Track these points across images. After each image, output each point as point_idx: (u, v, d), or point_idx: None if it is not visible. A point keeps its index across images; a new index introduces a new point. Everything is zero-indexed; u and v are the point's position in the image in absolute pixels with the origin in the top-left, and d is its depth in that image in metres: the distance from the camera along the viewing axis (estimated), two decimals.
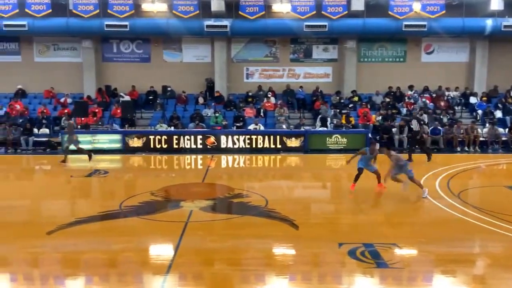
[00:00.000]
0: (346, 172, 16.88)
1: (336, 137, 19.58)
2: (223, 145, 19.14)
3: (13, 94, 22.64)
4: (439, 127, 20.55)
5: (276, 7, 22.74)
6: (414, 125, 17.68)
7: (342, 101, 22.93)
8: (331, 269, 7.70)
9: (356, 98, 23.34)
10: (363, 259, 7.87)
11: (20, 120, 20.28)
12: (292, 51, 24.14)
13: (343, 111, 21.66)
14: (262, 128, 20.36)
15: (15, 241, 9.06)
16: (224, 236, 9.35)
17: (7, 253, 8.58)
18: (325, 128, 20.81)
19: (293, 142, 19.49)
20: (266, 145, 19.15)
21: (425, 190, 11.75)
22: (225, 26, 21.73)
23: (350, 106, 22.70)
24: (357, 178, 12.35)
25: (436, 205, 11.22)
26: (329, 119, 21.27)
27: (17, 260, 8.39)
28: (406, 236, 9.23)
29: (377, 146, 13.96)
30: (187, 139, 19.20)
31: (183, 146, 19.00)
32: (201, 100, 22.81)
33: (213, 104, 22.29)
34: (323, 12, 22.25)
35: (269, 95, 22.92)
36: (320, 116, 21.37)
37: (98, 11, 21.07)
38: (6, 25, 21.16)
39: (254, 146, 19.09)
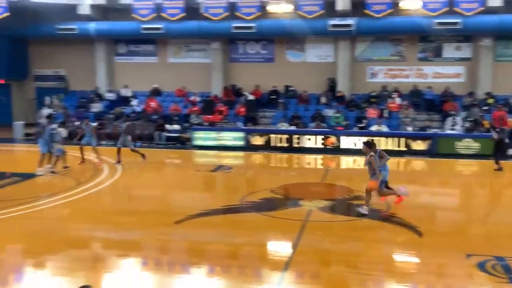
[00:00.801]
0: (477, 179, 15.73)
1: (468, 141, 18.33)
2: (343, 146, 18.89)
3: (149, 92, 24.49)
4: None
5: (404, 4, 21.88)
6: None
7: (475, 102, 21.39)
8: (457, 281, 7.23)
9: (491, 100, 21.64)
10: (494, 273, 7.28)
11: (155, 117, 21.87)
12: (420, 49, 23.08)
13: (478, 114, 20.17)
14: (385, 129, 19.73)
15: (147, 228, 9.79)
16: (343, 238, 9.23)
17: (140, 239, 9.30)
18: (455, 131, 19.57)
19: (419, 145, 18.62)
20: (390, 147, 18.51)
21: (364, 208, 10.45)
22: (350, 25, 21.41)
23: (484, 108, 21.10)
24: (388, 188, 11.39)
25: None
26: (460, 122, 19.97)
27: (148, 245, 9.06)
28: None
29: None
30: (308, 139, 19.25)
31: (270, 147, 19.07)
32: (323, 99, 22.74)
33: (334, 104, 22.11)
34: (455, 9, 20.94)
35: (393, 96, 22.15)
36: (451, 117, 20.13)
37: (227, 13, 21.96)
38: (144, 28, 22.96)
39: (376, 148, 18.54)
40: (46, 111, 21.25)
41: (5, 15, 20.86)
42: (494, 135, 15.92)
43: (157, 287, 7.42)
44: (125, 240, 9.21)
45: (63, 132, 15.74)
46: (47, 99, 24.29)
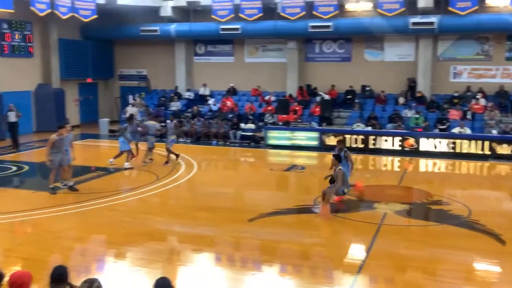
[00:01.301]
0: None
1: None
2: (422, 148, 18.23)
3: (225, 91, 24.95)
4: None
5: (490, 1, 20.72)
6: None
7: None
8: None
9: None
10: None
11: (230, 116, 22.26)
12: (507, 48, 21.75)
13: None
14: (468, 131, 18.79)
15: (221, 224, 10.00)
16: (420, 243, 8.92)
17: (214, 234, 9.51)
18: None
19: (505, 149, 17.56)
20: (472, 150, 17.62)
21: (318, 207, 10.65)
22: (432, 23, 20.59)
23: None
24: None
25: None
26: None
27: (222, 241, 9.25)
28: None
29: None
30: (385, 140, 18.77)
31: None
32: (401, 100, 22.06)
33: (414, 104, 21.37)
34: None
35: (478, 96, 21.06)
36: None
37: (304, 13, 21.89)
38: (222, 29, 23.41)
39: (458, 150, 17.74)
40: (131, 109, 22.29)
41: (93, 17, 22.08)
42: None
43: (230, 283, 7.55)
44: (200, 235, 9.46)
45: (156, 125, 16.69)
46: (130, 98, 25.47)
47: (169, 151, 15.84)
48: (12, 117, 18.35)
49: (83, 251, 8.71)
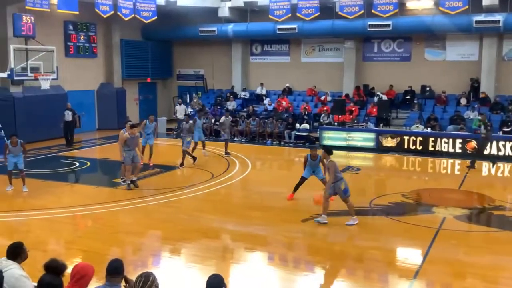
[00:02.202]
0: None
1: None
2: (485, 151, 17.46)
3: (280, 91, 24.94)
4: None
5: None
6: None
7: None
8: None
9: None
10: None
11: (285, 115, 22.22)
12: None
13: None
14: None
15: (274, 224, 10.00)
16: (480, 250, 8.56)
17: (267, 234, 9.53)
18: None
19: None
20: None
21: (323, 217, 9.81)
22: (497, 21, 19.68)
23: None
24: (296, 187, 11.61)
25: None
26: None
27: (275, 241, 9.25)
28: None
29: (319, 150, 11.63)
30: (445, 142, 18.13)
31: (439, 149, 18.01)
32: (463, 101, 21.25)
33: (476, 105, 20.53)
34: None
35: None
36: None
37: (362, 11, 21.52)
38: (279, 29, 23.41)
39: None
40: (180, 108, 22.73)
41: (153, 18, 22.67)
42: None
43: (282, 282, 7.54)
44: (253, 234, 9.51)
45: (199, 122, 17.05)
46: (186, 97, 25.96)
47: (185, 153, 15.48)
48: (68, 116, 18.78)
49: (140, 246, 8.96)
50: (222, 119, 18.60)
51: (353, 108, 21.62)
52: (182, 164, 15.50)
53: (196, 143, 16.65)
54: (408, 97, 22.28)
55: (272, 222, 10.09)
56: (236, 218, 10.51)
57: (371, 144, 19.19)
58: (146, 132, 15.37)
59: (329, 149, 10.47)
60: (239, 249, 8.85)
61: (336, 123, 20.88)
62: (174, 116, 23.30)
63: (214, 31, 24.58)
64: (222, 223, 10.26)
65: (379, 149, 18.76)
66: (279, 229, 9.72)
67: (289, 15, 22.65)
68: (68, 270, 4.56)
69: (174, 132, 22.25)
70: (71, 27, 22.28)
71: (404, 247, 9.08)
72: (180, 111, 22.62)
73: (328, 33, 22.97)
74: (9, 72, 16.23)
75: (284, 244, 9.10)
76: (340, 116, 21.16)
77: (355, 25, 21.90)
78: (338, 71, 23.85)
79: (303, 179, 11.63)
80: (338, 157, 18.22)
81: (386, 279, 7.54)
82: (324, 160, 10.60)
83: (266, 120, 21.55)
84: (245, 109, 23.56)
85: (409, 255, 8.67)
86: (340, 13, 21.86)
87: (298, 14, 22.42)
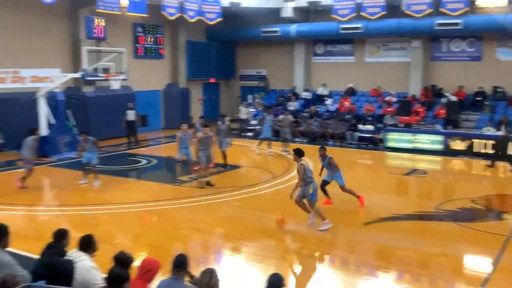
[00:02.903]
0: None
1: None
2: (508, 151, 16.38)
3: (343, 92, 24.61)
4: None
5: None
6: None
7: None
8: None
9: None
10: None
11: (348, 116, 21.90)
12: None
13: None
14: None
15: (336, 226, 9.86)
16: None
17: (328, 236, 9.41)
18: None
19: None
20: None
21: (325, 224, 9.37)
22: None
23: None
24: (324, 192, 11.10)
25: None
26: None
27: (336, 244, 9.14)
28: None
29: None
30: None
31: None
32: None
33: None
34: None
35: None
36: None
37: (431, 10, 20.84)
38: (343, 28, 23.11)
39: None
40: (244, 109, 22.96)
41: (218, 20, 23.06)
42: None
43: (343, 286, 7.43)
44: (314, 235, 9.43)
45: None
46: (249, 98, 26.19)
47: (225, 154, 15.33)
48: (131, 115, 19.25)
49: (202, 242, 9.14)
50: (281, 117, 18.79)
51: (420, 109, 20.98)
52: (226, 166, 15.21)
53: (262, 140, 16.85)
54: (478, 98, 21.33)
55: (333, 224, 9.95)
56: (296, 219, 10.45)
57: (438, 146, 18.54)
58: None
59: (299, 152, 9.83)
60: (299, 250, 8.81)
61: (401, 125, 20.34)
62: (237, 116, 23.58)
63: (276, 31, 24.65)
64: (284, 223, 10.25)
65: (447, 152, 18.09)
66: (341, 231, 9.58)
67: (354, 14, 22.30)
68: (135, 263, 4.72)
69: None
70: (139, 29, 23.08)
71: (471, 254, 8.70)
72: (243, 112, 22.88)
73: (394, 32, 22.42)
74: (82, 73, 17.03)
75: (345, 247, 8.97)
76: (405, 117, 20.60)
77: (422, 23, 21.25)
78: (404, 71, 23.23)
79: (324, 183, 11.12)
80: (403, 160, 17.81)
81: (452, 286, 7.26)
82: (296, 162, 9.82)
83: (328, 121, 21.34)
84: (306, 109, 23.45)
85: (477, 263, 8.30)
86: (406, 11, 21.28)
87: (362, 13, 22.04)
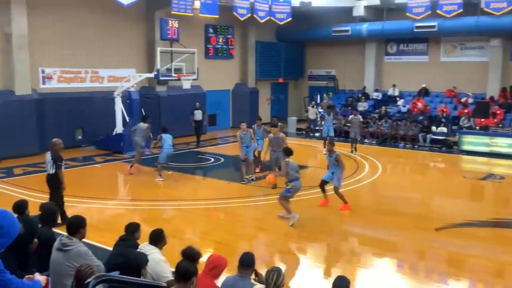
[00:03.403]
0: None
1: None
2: None
3: (416, 92, 23.82)
4: None
5: None
6: None
7: None
8: None
9: None
10: None
11: (420, 118, 21.17)
12: None
13: None
14: None
15: (405, 230, 9.60)
16: None
17: (397, 240, 9.17)
18: None
19: None
20: None
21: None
22: None
23: None
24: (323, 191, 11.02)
25: None
26: None
27: (405, 248, 8.87)
28: None
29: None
30: None
31: None
32: None
33: None
34: None
35: None
36: None
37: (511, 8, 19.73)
38: (417, 27, 22.37)
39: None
40: (312, 110, 22.80)
41: (288, 20, 23.06)
42: None
43: None
44: (382, 239, 9.22)
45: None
46: (317, 98, 25.98)
47: (257, 157, 14.84)
48: (198, 115, 19.36)
49: (267, 241, 9.18)
50: (351, 117, 18.62)
51: (498, 112, 19.93)
52: (259, 164, 14.59)
53: (325, 140, 16.74)
54: None
55: (403, 228, 9.69)
56: (364, 221, 10.27)
57: None
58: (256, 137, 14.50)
59: (288, 151, 10.03)
60: (366, 253, 8.64)
61: (477, 127, 19.42)
62: (305, 115, 23.50)
63: (347, 30, 24.31)
64: (350, 225, 10.10)
65: None
66: (410, 236, 9.30)
67: (429, 12, 21.54)
68: (203, 259, 4.83)
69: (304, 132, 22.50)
70: (211, 30, 23.55)
71: None
72: (312, 112, 22.76)
73: (472, 30, 21.44)
74: (156, 73, 17.62)
75: (415, 252, 8.69)
76: (482, 119, 19.65)
77: (502, 22, 20.16)
78: (481, 71, 22.17)
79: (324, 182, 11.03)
80: (479, 164, 16.99)
81: None
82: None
83: (399, 122, 20.75)
84: (377, 110, 22.94)
85: None
86: (485, 9, 20.27)
87: (438, 11, 21.24)
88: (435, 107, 22.13)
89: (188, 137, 20.28)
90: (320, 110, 23.27)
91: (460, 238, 9.17)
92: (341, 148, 17.58)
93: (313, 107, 23.22)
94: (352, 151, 17.57)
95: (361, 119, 18.96)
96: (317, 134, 22.05)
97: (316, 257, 8.36)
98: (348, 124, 18.87)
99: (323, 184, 11.01)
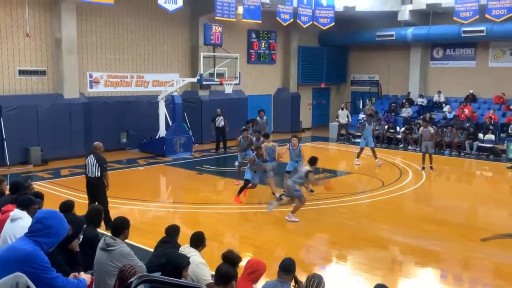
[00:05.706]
0: None
1: None
2: None
3: (463, 98, 23.16)
4: None
5: None
6: None
7: None
8: None
9: None
10: None
11: (467, 124, 20.56)
12: None
13: None
14: None
15: (448, 239, 9.33)
16: None
17: (440, 249, 8.92)
18: None
19: None
20: None
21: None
22: None
23: None
24: (241, 190, 11.59)
25: None
26: None
27: (449, 258, 8.63)
28: None
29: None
30: None
31: None
32: None
33: None
34: None
35: None
36: None
37: None
38: (465, 31, 21.75)
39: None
40: (342, 113, 22.50)
41: (331, 25, 22.90)
42: None
43: None
44: (425, 248, 9.00)
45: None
46: (359, 103, 25.68)
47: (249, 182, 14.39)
48: (220, 121, 18.61)
49: (307, 248, 9.12)
50: (421, 130, 16.82)
51: None
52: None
53: (362, 149, 16.39)
54: None
55: (447, 238, 9.42)
56: (407, 229, 10.06)
57: None
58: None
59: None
60: (408, 263, 8.45)
61: None
62: (336, 120, 23.17)
63: (392, 35, 23.92)
64: (392, 233, 9.91)
65: None
66: (455, 246, 9.04)
67: (477, 16, 20.94)
68: (242, 263, 4.84)
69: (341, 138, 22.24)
70: (253, 35, 23.67)
71: None
72: (342, 116, 22.41)
73: None
74: (199, 77, 17.87)
75: (460, 263, 8.44)
76: None
77: None
78: None
79: (247, 182, 11.74)
80: None
81: None
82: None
83: (444, 129, 20.21)
84: (421, 116, 22.43)
85: None
86: None
87: (487, 16, 20.61)
88: (483, 113, 21.46)
89: (230, 141, 20.35)
90: (363, 115, 22.94)
91: (507, 250, 8.84)
92: (383, 155, 17.28)
93: (342, 109, 22.71)
94: (424, 168, 15.78)
95: (433, 131, 16.35)
96: (358, 140, 21.60)
97: (356, 265, 8.23)
98: (391, 130, 18.44)
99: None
